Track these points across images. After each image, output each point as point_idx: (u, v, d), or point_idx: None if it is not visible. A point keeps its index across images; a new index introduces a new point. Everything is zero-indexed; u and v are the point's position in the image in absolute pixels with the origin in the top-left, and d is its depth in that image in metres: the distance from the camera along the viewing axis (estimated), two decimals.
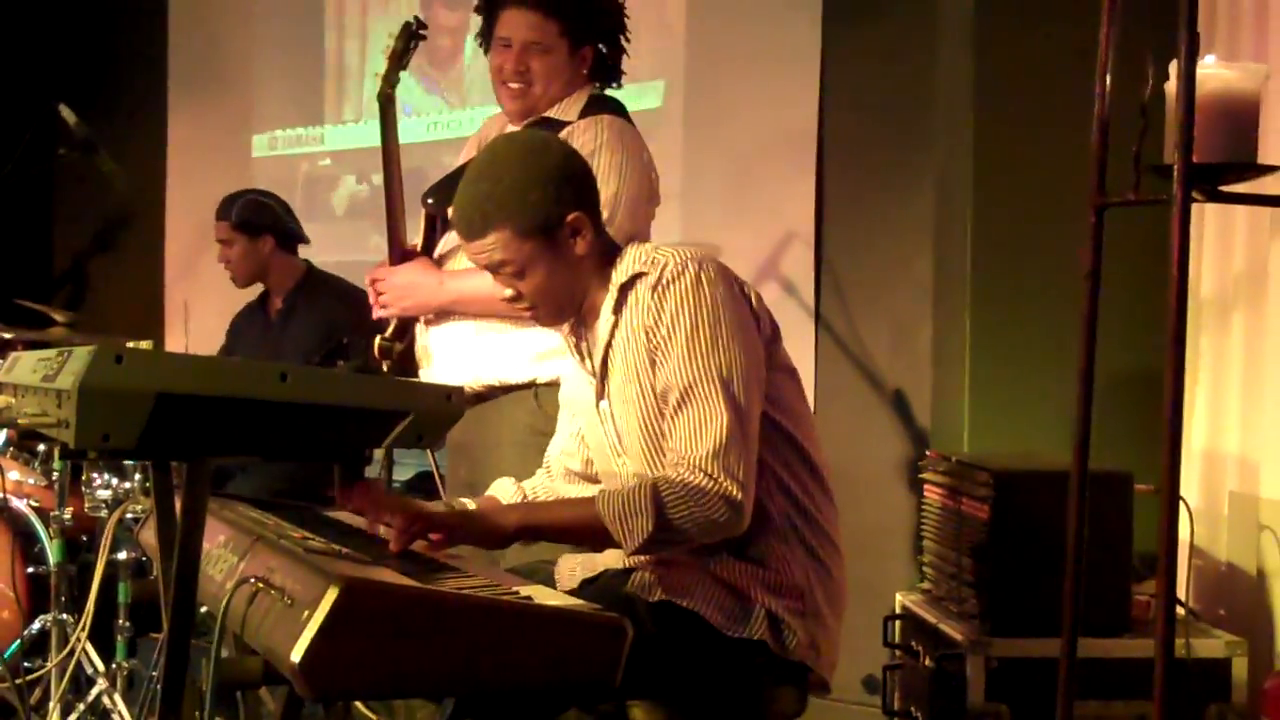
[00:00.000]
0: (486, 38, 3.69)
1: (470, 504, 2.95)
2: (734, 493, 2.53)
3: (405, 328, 3.73)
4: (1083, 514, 2.35)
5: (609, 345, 2.76)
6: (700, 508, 2.53)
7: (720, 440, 2.55)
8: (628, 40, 3.73)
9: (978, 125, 4.47)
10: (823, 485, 2.80)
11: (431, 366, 3.69)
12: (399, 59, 3.71)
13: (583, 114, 3.57)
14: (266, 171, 6.90)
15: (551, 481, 3.07)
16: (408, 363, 3.74)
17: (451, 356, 3.62)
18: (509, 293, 2.79)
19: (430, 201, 3.72)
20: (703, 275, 2.63)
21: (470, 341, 3.60)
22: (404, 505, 2.64)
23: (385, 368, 3.75)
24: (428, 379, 3.67)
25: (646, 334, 2.66)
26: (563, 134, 3.45)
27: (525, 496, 3.03)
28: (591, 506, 2.60)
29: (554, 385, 3.45)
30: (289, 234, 5.46)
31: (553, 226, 2.70)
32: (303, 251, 5.55)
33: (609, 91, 3.73)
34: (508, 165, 2.73)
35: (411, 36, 3.71)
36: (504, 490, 3.04)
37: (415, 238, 3.78)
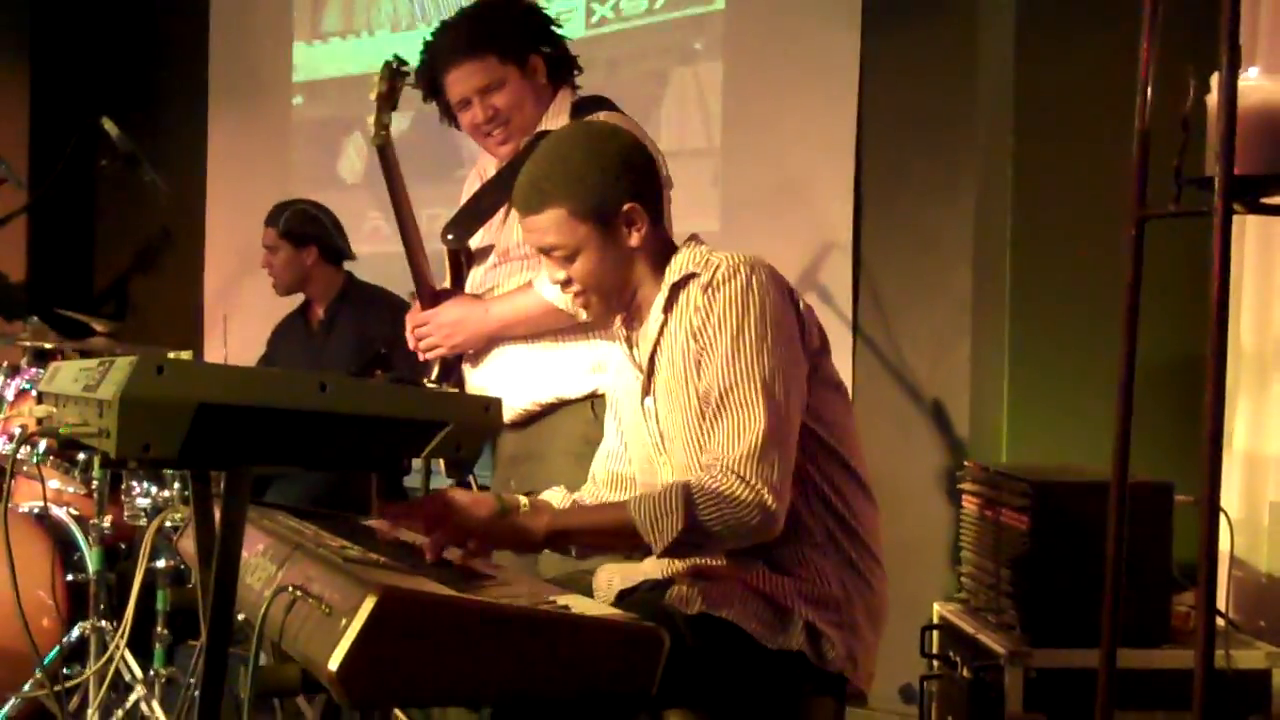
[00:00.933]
0: (448, 113, 3.72)
1: (523, 498, 2.95)
2: (767, 497, 2.52)
3: (450, 368, 3.73)
4: (1123, 525, 2.34)
5: (657, 343, 2.77)
6: (732, 510, 2.52)
7: (757, 444, 2.54)
8: (559, 27, 3.72)
9: (1018, 136, 4.45)
10: (867, 499, 2.79)
11: None
12: (387, 100, 3.69)
13: (573, 117, 3.58)
14: (304, 186, 6.93)
15: (597, 489, 3.07)
16: None
17: (507, 384, 3.61)
18: (561, 275, 2.80)
19: (450, 238, 3.71)
20: (754, 279, 2.63)
21: (524, 363, 3.59)
22: (442, 510, 2.65)
23: None
24: None
25: (694, 335, 2.66)
26: None
27: (574, 503, 3.03)
28: (624, 510, 2.60)
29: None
30: (334, 249, 5.48)
31: (608, 213, 2.72)
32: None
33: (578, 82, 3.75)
34: (572, 147, 2.76)
35: (394, 74, 3.69)
36: (555, 498, 3.04)
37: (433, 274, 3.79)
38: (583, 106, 3.63)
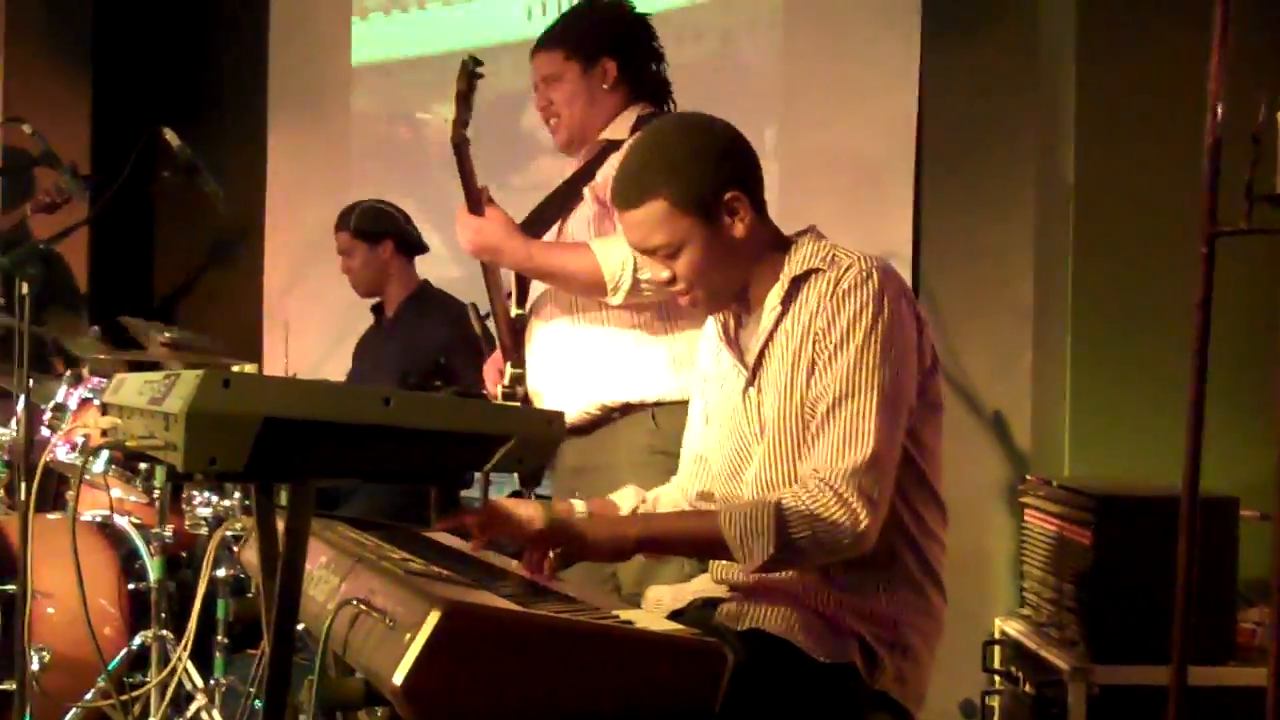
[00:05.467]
0: None
1: (579, 505, 2.92)
2: (861, 516, 2.49)
3: (521, 375, 3.73)
4: (1194, 541, 2.32)
5: (771, 335, 2.71)
6: (825, 529, 2.49)
7: (863, 459, 2.50)
8: (655, 52, 3.73)
9: (1079, 148, 4.42)
10: (940, 517, 2.76)
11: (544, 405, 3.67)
12: (465, 99, 3.72)
13: (633, 131, 3.56)
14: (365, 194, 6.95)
15: (683, 486, 3.02)
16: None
17: (564, 387, 3.62)
18: (665, 275, 2.76)
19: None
20: (886, 288, 2.59)
21: (584, 367, 3.60)
22: (496, 518, 2.65)
23: None
24: None
25: (815, 336, 2.61)
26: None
27: (646, 502, 2.99)
28: (713, 520, 2.57)
29: (670, 405, 3.45)
30: (408, 240, 5.53)
31: (709, 202, 2.67)
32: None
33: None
34: (669, 136, 2.74)
35: (471, 75, 3.71)
36: (626, 498, 3.00)
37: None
38: (647, 121, 3.60)
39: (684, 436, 3.07)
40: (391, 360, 5.24)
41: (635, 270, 3.38)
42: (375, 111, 7.26)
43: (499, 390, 3.74)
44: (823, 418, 2.57)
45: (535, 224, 3.70)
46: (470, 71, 3.68)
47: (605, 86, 3.65)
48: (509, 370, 3.72)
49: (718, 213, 2.69)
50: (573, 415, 3.54)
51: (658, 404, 3.53)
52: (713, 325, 2.94)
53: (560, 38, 3.69)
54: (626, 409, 3.57)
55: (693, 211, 2.67)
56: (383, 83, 7.18)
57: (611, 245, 3.40)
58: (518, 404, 3.68)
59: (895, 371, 2.57)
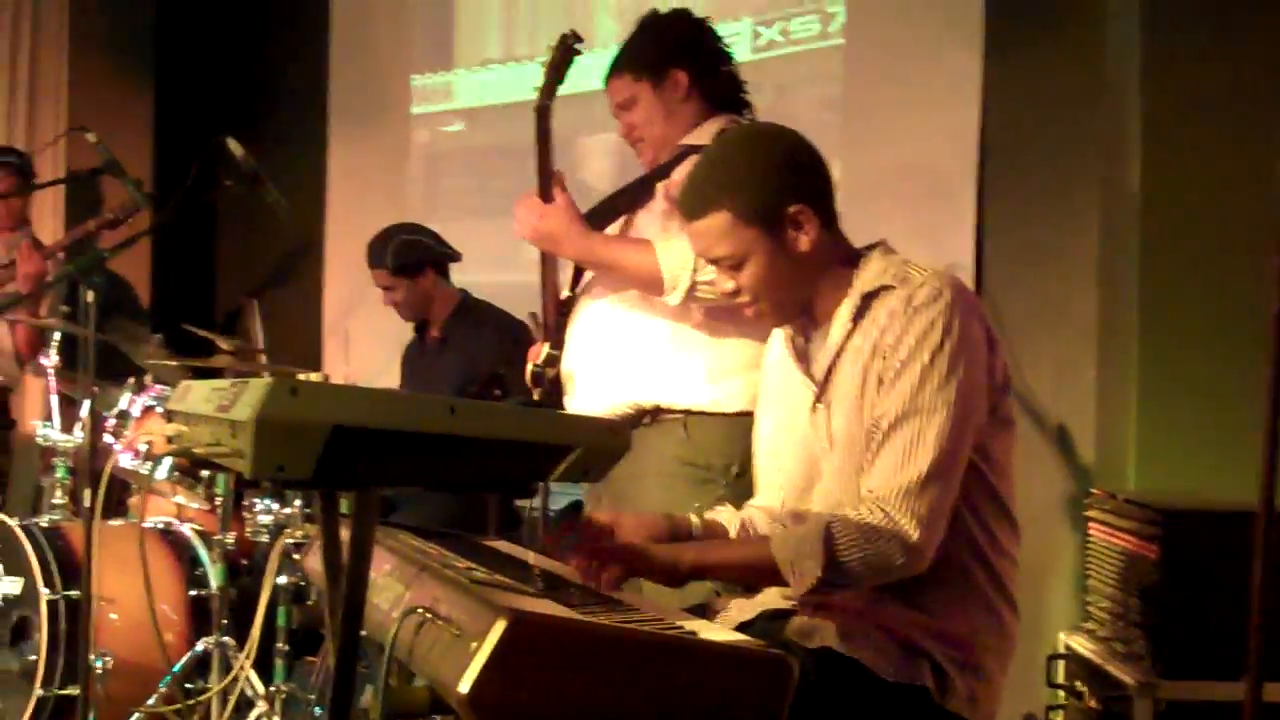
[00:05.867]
0: None
1: (694, 518, 2.92)
2: (912, 536, 2.45)
3: (556, 356, 3.72)
4: (1270, 555, 2.29)
5: (841, 350, 2.69)
6: (874, 549, 2.46)
7: (918, 478, 2.48)
8: (722, 47, 3.73)
9: (1145, 158, 4.38)
10: (1013, 533, 2.72)
11: (575, 393, 3.67)
12: (557, 70, 3.72)
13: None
14: (422, 206, 6.97)
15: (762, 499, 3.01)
16: (557, 389, 3.74)
17: (599, 375, 3.61)
18: (729, 285, 2.74)
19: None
20: (957, 306, 2.56)
21: (621, 359, 3.59)
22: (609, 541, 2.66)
23: (537, 395, 3.75)
24: (572, 404, 3.66)
25: (884, 352, 2.58)
26: None
27: (743, 523, 2.95)
28: (766, 547, 2.55)
29: (702, 415, 3.43)
30: (444, 261, 5.52)
31: (772, 214, 2.65)
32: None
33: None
34: (735, 148, 2.73)
35: (568, 49, 3.72)
36: (724, 518, 2.97)
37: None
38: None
39: (754, 452, 3.05)
40: (447, 374, 5.25)
41: (695, 271, 3.36)
42: (434, 122, 7.28)
43: (530, 368, 3.74)
44: (883, 435, 2.55)
45: (601, 215, 3.69)
46: (568, 46, 3.68)
47: (679, 98, 3.64)
48: (545, 350, 3.71)
49: (782, 225, 2.67)
50: (603, 410, 3.54)
51: (688, 412, 3.51)
52: (778, 340, 2.93)
53: (627, 61, 3.68)
54: (658, 413, 3.56)
55: (756, 224, 2.66)
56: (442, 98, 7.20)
57: (674, 244, 3.38)
58: (545, 388, 3.70)
59: (961, 391, 2.53)
